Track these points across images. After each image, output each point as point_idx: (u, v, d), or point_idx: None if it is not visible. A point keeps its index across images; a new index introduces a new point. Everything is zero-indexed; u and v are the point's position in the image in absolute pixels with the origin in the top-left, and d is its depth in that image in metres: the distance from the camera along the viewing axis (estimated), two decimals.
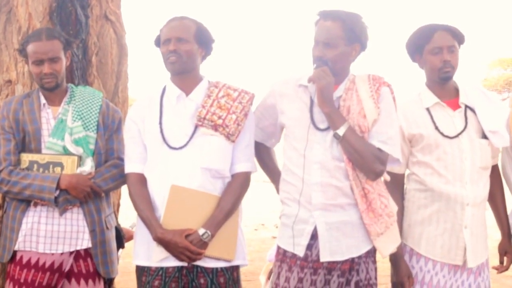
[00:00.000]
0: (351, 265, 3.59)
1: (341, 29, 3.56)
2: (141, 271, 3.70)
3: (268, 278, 5.74)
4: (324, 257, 3.56)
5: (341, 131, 3.50)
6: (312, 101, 3.64)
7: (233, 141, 3.68)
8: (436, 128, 3.82)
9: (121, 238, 4.34)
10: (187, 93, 3.71)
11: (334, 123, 3.52)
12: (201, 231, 3.54)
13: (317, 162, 3.57)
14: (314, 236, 3.58)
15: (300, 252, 3.59)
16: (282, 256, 3.68)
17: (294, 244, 3.61)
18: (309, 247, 3.59)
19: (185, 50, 3.63)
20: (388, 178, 3.74)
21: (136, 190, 3.68)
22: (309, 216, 3.58)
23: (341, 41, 3.57)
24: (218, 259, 3.63)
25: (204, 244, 3.54)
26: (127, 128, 3.80)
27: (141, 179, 3.71)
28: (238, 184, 3.69)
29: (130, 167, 3.74)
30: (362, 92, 3.60)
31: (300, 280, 3.59)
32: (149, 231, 3.59)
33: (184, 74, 3.69)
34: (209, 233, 3.55)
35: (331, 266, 3.57)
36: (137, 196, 3.67)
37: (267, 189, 6.76)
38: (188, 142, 3.63)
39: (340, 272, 3.58)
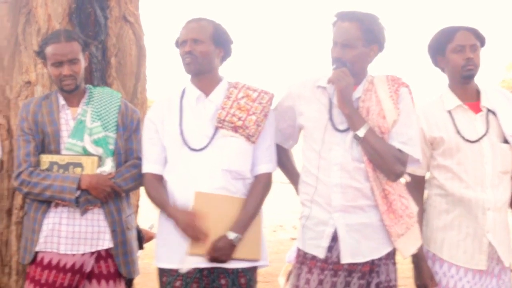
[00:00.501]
0: (371, 267, 3.58)
1: (359, 29, 3.56)
2: (162, 272, 3.71)
3: (287, 279, 5.74)
4: (345, 259, 3.55)
5: (361, 132, 3.49)
6: (331, 103, 3.64)
7: (253, 142, 3.68)
8: (458, 132, 3.79)
9: (141, 239, 4.34)
10: (207, 94, 3.71)
11: (354, 124, 3.52)
12: (231, 234, 3.56)
13: (336, 163, 3.56)
14: (334, 238, 3.57)
15: (321, 254, 3.58)
16: (302, 258, 3.68)
17: (315, 246, 3.61)
18: (330, 249, 3.58)
19: (200, 51, 3.64)
20: (408, 178, 3.74)
21: (152, 186, 3.73)
22: (328, 218, 3.58)
23: (359, 42, 3.56)
24: (245, 260, 3.65)
25: (233, 247, 3.57)
26: (145, 128, 3.81)
27: (158, 179, 3.73)
28: (262, 186, 3.71)
29: (147, 167, 3.76)
30: (381, 93, 3.59)
31: (320, 282, 3.58)
32: (165, 213, 3.65)
33: (202, 75, 3.70)
34: (239, 236, 3.57)
35: (351, 268, 3.56)
36: (152, 189, 3.72)
37: (285, 190, 6.74)
38: (208, 143, 3.64)
39: (361, 274, 3.57)
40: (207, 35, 3.67)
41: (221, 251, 3.57)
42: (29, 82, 4.73)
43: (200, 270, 3.62)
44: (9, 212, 4.77)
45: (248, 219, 3.63)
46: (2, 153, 4.40)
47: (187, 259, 3.58)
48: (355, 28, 3.56)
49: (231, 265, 3.62)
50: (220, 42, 3.72)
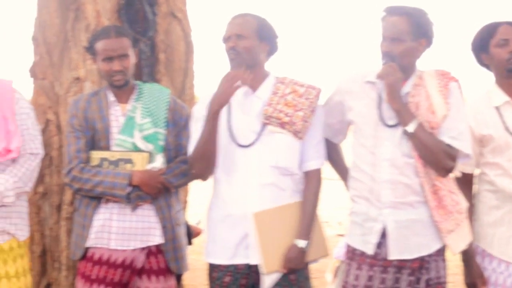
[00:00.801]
0: (421, 263, 3.55)
1: (407, 23, 3.53)
2: (212, 267, 3.72)
3: (335, 275, 5.71)
4: (393, 255, 3.53)
5: (410, 127, 3.46)
6: (380, 98, 3.61)
7: (300, 138, 3.66)
8: (506, 128, 3.74)
9: (190, 235, 4.35)
10: (254, 89, 3.70)
11: (404, 119, 3.48)
12: (300, 242, 3.60)
13: (386, 159, 3.53)
14: (383, 234, 3.55)
15: (370, 250, 3.57)
16: (351, 254, 3.67)
17: (364, 242, 3.60)
18: (379, 245, 3.56)
19: (243, 47, 3.62)
20: (459, 174, 3.72)
21: None
22: (378, 214, 3.55)
23: (407, 36, 3.53)
24: (317, 260, 3.72)
25: (304, 253, 3.61)
26: (194, 121, 3.79)
27: None
28: (315, 183, 3.72)
29: None
30: (431, 88, 3.56)
31: (370, 278, 3.57)
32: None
33: (248, 70, 3.66)
34: (307, 241, 3.61)
35: (400, 265, 3.54)
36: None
37: (330, 186, 6.71)
38: (256, 140, 3.63)
39: (410, 270, 3.54)
40: (251, 30, 3.66)
41: (295, 261, 3.60)
42: (78, 78, 4.76)
43: (250, 266, 3.63)
44: (58, 208, 4.81)
45: (311, 222, 3.65)
46: (52, 149, 4.42)
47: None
48: (404, 22, 3.53)
49: None
50: (265, 37, 3.70)
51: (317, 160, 3.74)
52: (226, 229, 3.65)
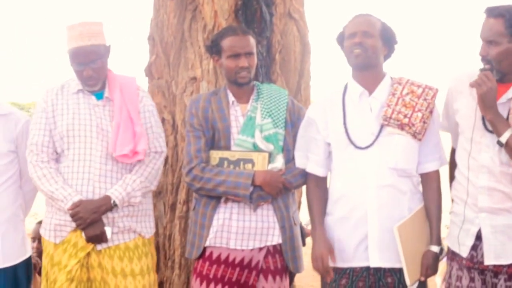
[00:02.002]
0: None
1: (503, 25, 3.39)
2: None
3: (444, 279, 5.61)
4: (489, 260, 3.46)
5: (503, 138, 3.36)
6: None
7: (419, 140, 3.62)
8: None
9: (303, 235, 4.32)
10: (370, 91, 3.67)
11: (497, 129, 3.39)
12: (435, 248, 3.64)
13: (484, 166, 3.46)
14: (479, 237, 3.50)
15: (464, 252, 3.53)
16: (451, 254, 3.65)
17: (459, 244, 3.56)
18: (474, 247, 3.51)
19: (371, 45, 3.59)
20: None
21: (314, 192, 3.80)
22: (474, 217, 3.50)
23: (503, 38, 3.40)
24: None
25: (438, 258, 3.64)
26: (307, 127, 3.81)
27: (322, 182, 3.81)
28: (436, 185, 3.71)
29: (313, 169, 3.79)
30: None
31: (472, 279, 3.52)
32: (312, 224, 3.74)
33: (367, 70, 3.65)
34: (441, 246, 3.62)
35: (497, 270, 3.48)
36: (314, 196, 3.79)
37: None
38: (374, 141, 3.60)
39: (507, 275, 3.47)
40: (377, 30, 3.63)
41: (432, 267, 3.64)
42: (194, 78, 4.81)
43: (367, 269, 3.61)
44: (173, 207, 4.86)
45: (440, 225, 3.65)
46: (167, 148, 4.46)
47: None
48: (499, 23, 3.40)
49: (397, 264, 3.59)
50: (387, 39, 3.68)
51: (437, 162, 3.70)
52: (344, 231, 3.63)
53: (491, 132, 3.45)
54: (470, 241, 3.50)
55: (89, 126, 3.90)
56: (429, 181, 3.70)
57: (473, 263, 3.50)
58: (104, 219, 3.84)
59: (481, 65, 3.46)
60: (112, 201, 3.80)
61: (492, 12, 3.45)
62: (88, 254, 3.87)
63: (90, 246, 3.85)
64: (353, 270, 3.63)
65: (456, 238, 3.56)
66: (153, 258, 4.06)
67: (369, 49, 3.59)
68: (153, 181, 3.95)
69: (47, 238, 3.95)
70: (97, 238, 3.81)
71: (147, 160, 3.94)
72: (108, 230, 3.83)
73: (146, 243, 3.99)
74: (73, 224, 3.82)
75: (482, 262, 3.48)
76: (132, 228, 3.91)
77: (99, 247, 3.86)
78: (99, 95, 3.97)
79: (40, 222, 5.98)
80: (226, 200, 3.85)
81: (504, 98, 3.45)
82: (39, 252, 5.77)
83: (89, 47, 3.83)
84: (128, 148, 3.82)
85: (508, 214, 3.46)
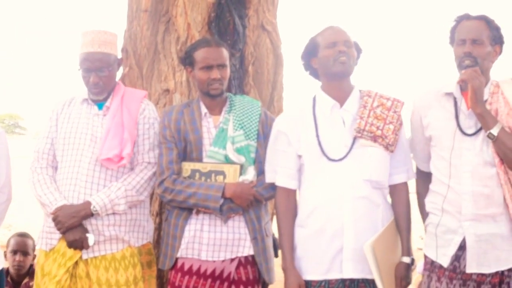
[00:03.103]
0: (501, 278, 3.51)
1: (487, 27, 3.55)
2: (306, 283, 3.68)
3: None
4: (471, 268, 3.49)
5: (495, 130, 3.43)
6: (457, 108, 3.59)
7: (391, 151, 3.65)
8: None
9: (276, 247, 4.32)
10: (341, 103, 3.68)
11: (487, 123, 3.45)
12: (406, 259, 3.67)
13: (467, 170, 3.51)
14: (462, 247, 3.52)
15: (445, 262, 3.54)
16: (430, 266, 3.66)
17: (440, 254, 3.58)
18: (457, 258, 3.54)
19: (352, 54, 3.64)
20: None
21: (285, 206, 3.76)
22: (458, 227, 3.52)
23: (487, 40, 3.54)
24: None
25: (410, 269, 3.67)
26: (276, 139, 3.80)
27: (292, 195, 3.78)
28: (405, 196, 3.75)
29: (283, 181, 3.77)
30: (509, 94, 3.53)
31: None
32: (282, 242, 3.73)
33: (345, 79, 3.68)
34: (412, 257, 3.66)
35: (480, 279, 3.51)
36: (284, 208, 3.76)
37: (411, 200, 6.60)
38: (347, 153, 3.61)
39: (490, 285, 3.50)
40: (352, 41, 3.69)
41: (406, 278, 3.66)
42: (167, 90, 4.81)
43: (343, 281, 3.60)
44: None
45: (410, 236, 3.68)
46: None
47: None
48: (483, 25, 3.56)
49: (370, 275, 3.59)
50: (358, 51, 3.74)
51: (406, 174, 3.74)
52: (320, 244, 3.63)
53: (469, 135, 3.52)
54: (452, 251, 3.53)
55: (84, 135, 3.95)
56: (399, 193, 3.73)
57: (456, 273, 3.52)
58: (88, 226, 3.85)
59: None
60: (92, 207, 3.81)
61: (472, 16, 3.58)
62: (77, 263, 3.88)
63: (78, 255, 3.86)
64: (328, 282, 3.62)
65: (438, 249, 3.58)
66: (151, 267, 4.10)
67: (351, 58, 3.63)
68: (142, 191, 3.94)
69: (38, 246, 4.00)
70: (77, 243, 3.81)
71: (138, 170, 3.95)
72: (90, 237, 3.82)
73: (135, 253, 3.98)
74: None
75: (465, 272, 3.50)
76: (119, 238, 3.91)
77: (84, 255, 3.87)
78: (102, 105, 4.01)
79: (22, 235, 5.95)
80: (198, 212, 3.86)
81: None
82: (20, 267, 5.73)
83: (98, 54, 3.90)
84: (113, 152, 3.84)
85: (493, 221, 3.50)
